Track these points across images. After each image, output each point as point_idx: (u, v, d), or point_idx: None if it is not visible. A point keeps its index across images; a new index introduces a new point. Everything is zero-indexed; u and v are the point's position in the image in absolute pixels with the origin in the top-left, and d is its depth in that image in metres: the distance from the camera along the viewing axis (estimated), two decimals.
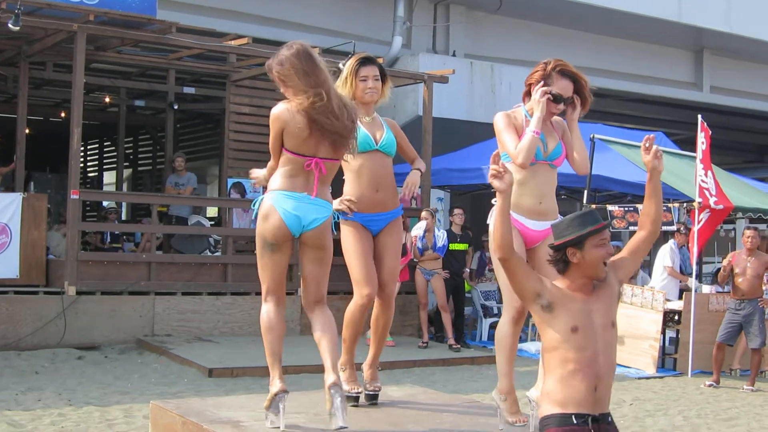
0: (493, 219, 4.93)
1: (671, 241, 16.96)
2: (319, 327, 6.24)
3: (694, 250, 15.37)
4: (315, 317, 6.29)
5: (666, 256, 16.81)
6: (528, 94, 6.63)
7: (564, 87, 6.49)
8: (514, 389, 6.46)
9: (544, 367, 5.00)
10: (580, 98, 6.58)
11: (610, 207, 16.43)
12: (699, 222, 15.03)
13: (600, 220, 4.90)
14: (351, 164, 6.70)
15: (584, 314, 4.82)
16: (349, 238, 6.73)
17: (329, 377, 6.00)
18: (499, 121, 6.58)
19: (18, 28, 13.98)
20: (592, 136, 16.21)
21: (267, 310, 6.45)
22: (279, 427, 6.03)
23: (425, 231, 15.98)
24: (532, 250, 6.53)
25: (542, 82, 6.51)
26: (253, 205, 6.39)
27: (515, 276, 4.87)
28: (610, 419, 4.90)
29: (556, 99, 6.45)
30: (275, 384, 6.21)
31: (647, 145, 5.09)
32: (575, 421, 4.76)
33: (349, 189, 6.76)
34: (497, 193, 4.91)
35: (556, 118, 6.68)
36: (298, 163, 6.16)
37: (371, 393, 6.92)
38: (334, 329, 6.25)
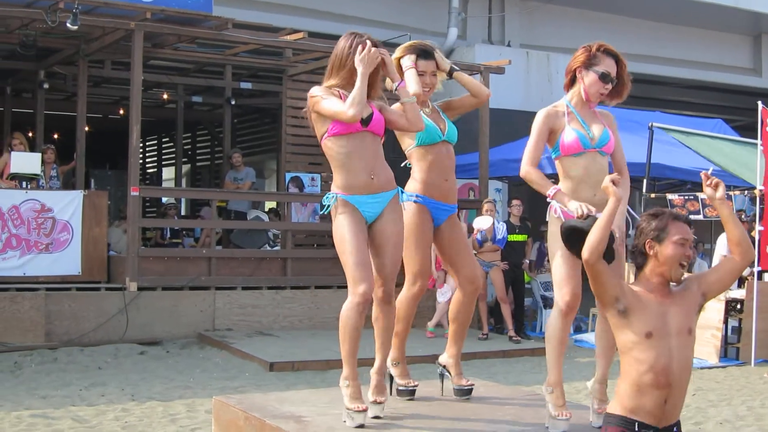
0: (597, 224, 4.87)
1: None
2: None
3: (757, 238, 15.18)
4: None
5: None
6: (571, 81, 6.56)
7: (610, 65, 6.44)
8: (561, 382, 6.41)
9: (621, 368, 4.96)
10: (619, 82, 6.51)
11: (669, 196, 16.32)
12: (763, 212, 14.84)
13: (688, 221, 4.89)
14: (418, 154, 6.68)
15: (659, 318, 4.77)
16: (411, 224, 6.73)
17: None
18: (534, 125, 6.46)
19: (76, 27, 14.13)
20: (650, 124, 16.11)
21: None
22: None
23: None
24: None
25: None
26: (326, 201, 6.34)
27: (599, 280, 4.83)
28: (675, 429, 4.87)
29: (604, 77, 6.38)
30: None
31: (708, 183, 4.99)
32: (637, 429, 4.75)
33: (422, 178, 6.72)
34: (612, 197, 4.95)
35: (602, 110, 6.62)
36: None
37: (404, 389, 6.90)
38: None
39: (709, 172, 4.99)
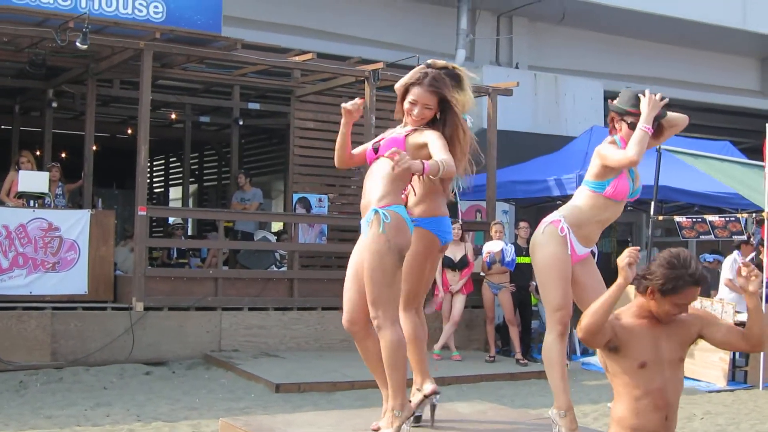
0: (598, 305, 4.78)
1: (735, 253, 16.65)
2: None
3: (765, 261, 15.12)
4: None
5: (727, 268, 16.55)
6: (614, 128, 6.63)
7: None
8: (572, 405, 6.39)
9: (614, 389, 4.95)
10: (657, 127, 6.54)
11: (677, 218, 16.28)
12: None
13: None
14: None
15: (651, 348, 4.77)
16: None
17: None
18: (602, 145, 6.56)
19: (86, 46, 14.15)
20: (658, 146, 16.06)
21: None
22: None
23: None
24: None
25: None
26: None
27: (596, 338, 4.79)
28: None
29: (633, 126, 6.38)
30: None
31: (744, 274, 4.91)
32: None
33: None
34: (621, 276, 4.74)
35: None
36: None
37: None
38: None
39: (750, 264, 4.91)
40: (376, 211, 5.99)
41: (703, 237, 16.36)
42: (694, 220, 16.06)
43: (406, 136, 6.14)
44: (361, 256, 6.13)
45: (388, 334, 5.99)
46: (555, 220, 6.55)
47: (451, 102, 6.22)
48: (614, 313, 4.84)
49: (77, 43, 14.05)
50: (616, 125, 6.57)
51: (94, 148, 17.38)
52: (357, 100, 6.31)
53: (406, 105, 6.27)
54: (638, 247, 5.00)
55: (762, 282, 4.92)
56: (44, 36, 14.52)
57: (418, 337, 6.62)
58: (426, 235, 6.50)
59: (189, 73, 18.12)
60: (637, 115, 6.36)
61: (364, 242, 6.08)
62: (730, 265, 16.45)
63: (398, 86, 6.34)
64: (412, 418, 6.30)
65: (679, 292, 4.73)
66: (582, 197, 6.58)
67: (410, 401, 6.38)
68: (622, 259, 4.75)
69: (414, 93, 6.22)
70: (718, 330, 4.97)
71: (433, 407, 6.65)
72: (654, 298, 4.77)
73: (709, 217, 16.13)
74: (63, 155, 21.40)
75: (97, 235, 14.74)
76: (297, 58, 16.76)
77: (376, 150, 6.16)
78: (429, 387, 6.55)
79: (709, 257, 18.21)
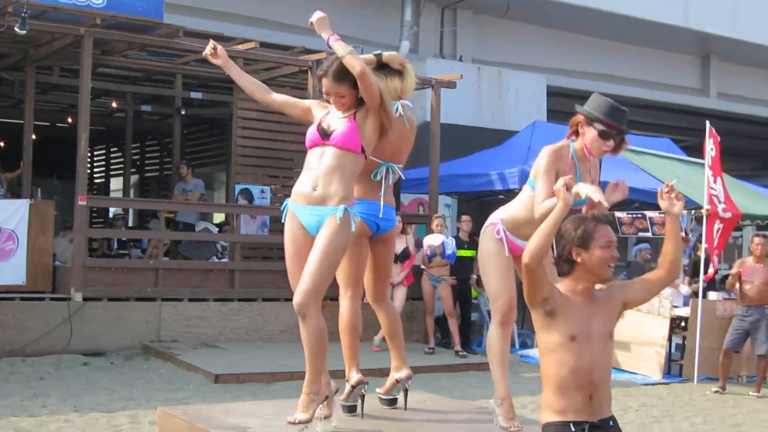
0: (541, 228, 4.82)
1: None
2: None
3: (702, 256, 15.27)
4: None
5: None
6: (575, 133, 6.50)
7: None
8: (509, 394, 6.45)
9: (542, 372, 4.98)
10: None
11: (617, 214, 16.38)
12: (716, 234, 14.94)
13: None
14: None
15: (584, 322, 4.80)
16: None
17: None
18: (543, 161, 6.39)
19: (25, 31, 13.91)
20: None
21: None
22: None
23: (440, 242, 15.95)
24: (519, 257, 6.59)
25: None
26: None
27: (535, 283, 4.83)
28: (611, 423, 4.86)
29: (604, 135, 6.32)
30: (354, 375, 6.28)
31: (666, 190, 4.97)
32: (573, 429, 4.75)
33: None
34: (560, 201, 4.81)
35: (595, 163, 6.58)
36: None
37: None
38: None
39: (673, 182, 4.98)
40: (347, 210, 6.05)
41: (641, 234, 16.50)
42: (634, 216, 16.17)
43: (353, 121, 6.15)
44: (306, 242, 6.14)
45: (315, 322, 6.03)
46: (494, 222, 6.63)
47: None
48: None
49: (16, 29, 13.81)
50: (581, 129, 6.42)
51: (34, 137, 17.20)
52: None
53: (324, 96, 6.33)
54: (571, 177, 5.07)
55: (683, 204, 4.98)
56: None
57: (353, 326, 6.68)
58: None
59: (130, 61, 17.97)
60: (613, 127, 6.30)
61: (327, 233, 6.04)
62: None
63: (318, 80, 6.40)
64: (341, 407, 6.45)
65: (595, 234, 4.81)
66: (522, 199, 6.60)
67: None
68: (558, 183, 4.85)
69: (324, 85, 6.26)
70: (634, 286, 5.07)
71: (363, 397, 6.70)
72: (582, 259, 4.81)
73: (649, 213, 16.25)
74: (1, 144, 21.16)
75: (36, 225, 14.57)
76: (240, 47, 16.66)
77: (325, 135, 6.14)
78: (356, 377, 6.64)
79: (639, 246, 18.33)
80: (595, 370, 4.78)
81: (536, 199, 6.25)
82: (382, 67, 6.56)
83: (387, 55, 6.62)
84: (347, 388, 6.68)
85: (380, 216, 6.56)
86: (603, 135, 6.27)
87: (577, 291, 4.88)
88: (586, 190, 5.76)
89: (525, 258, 4.79)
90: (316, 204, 6.09)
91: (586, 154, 6.41)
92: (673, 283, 16.10)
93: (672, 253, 5.00)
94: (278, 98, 6.57)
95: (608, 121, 6.26)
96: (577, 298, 4.86)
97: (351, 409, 6.67)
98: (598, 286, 4.94)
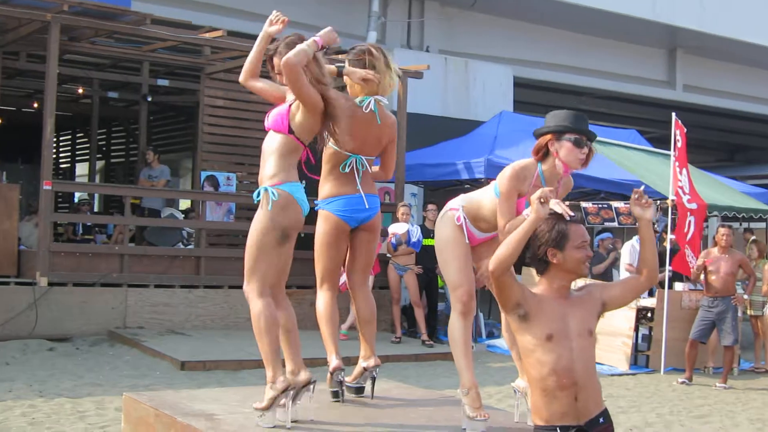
0: (511, 238, 4.86)
1: (634, 239, 16.86)
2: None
3: (668, 247, 15.36)
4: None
5: (627, 254, 16.82)
6: (544, 151, 6.25)
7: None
8: (475, 383, 6.43)
9: (526, 376, 5.02)
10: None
11: (584, 204, 16.48)
12: (688, 228, 15.01)
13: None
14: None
15: (559, 320, 4.81)
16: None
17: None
18: (504, 183, 6.18)
19: None
20: None
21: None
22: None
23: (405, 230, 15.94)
24: (475, 247, 6.59)
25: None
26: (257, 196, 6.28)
27: (504, 292, 4.85)
28: (602, 419, 4.88)
29: (578, 143, 6.22)
30: (279, 380, 5.98)
31: (636, 197, 5.01)
32: None
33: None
34: (533, 214, 4.81)
35: (567, 180, 6.53)
36: None
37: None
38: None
39: (641, 189, 5.02)
40: (266, 189, 6.06)
41: (607, 223, 16.60)
42: (600, 206, 16.26)
43: (290, 105, 6.19)
44: None
45: (252, 306, 6.06)
46: (454, 207, 6.59)
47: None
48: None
49: None
50: (552, 148, 6.18)
51: None
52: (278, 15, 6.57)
53: (276, 75, 6.44)
54: (551, 188, 5.11)
55: (654, 210, 5.04)
56: None
57: (332, 317, 6.79)
58: (327, 216, 6.73)
59: (97, 48, 17.87)
60: (584, 132, 6.17)
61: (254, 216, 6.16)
62: (629, 250, 16.72)
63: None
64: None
65: (570, 235, 4.85)
66: (487, 197, 6.55)
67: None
68: (534, 195, 4.83)
69: (275, 64, 6.43)
70: (613, 288, 5.11)
71: (374, 380, 6.88)
72: (558, 260, 4.85)
73: (615, 204, 16.34)
74: None
75: (0, 209, 14.51)
76: (207, 35, 16.63)
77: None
78: (334, 363, 6.74)
79: (601, 236, 18.38)
80: (576, 369, 4.77)
81: (499, 221, 6.20)
82: (357, 64, 6.71)
83: (347, 70, 6.69)
84: (356, 369, 6.88)
85: (366, 207, 6.71)
86: (577, 143, 6.16)
87: (552, 290, 4.91)
88: (557, 208, 5.59)
89: (491, 266, 4.80)
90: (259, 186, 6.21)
91: (557, 173, 6.27)
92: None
93: (649, 260, 5.03)
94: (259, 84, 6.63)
95: (577, 128, 6.21)
96: (551, 298, 4.89)
97: (334, 395, 6.78)
98: (575, 284, 4.98)
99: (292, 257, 6.31)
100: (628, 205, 16.05)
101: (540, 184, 6.14)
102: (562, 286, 4.91)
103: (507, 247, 4.80)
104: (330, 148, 6.65)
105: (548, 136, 6.17)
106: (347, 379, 6.88)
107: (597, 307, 4.97)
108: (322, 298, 6.81)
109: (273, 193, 6.02)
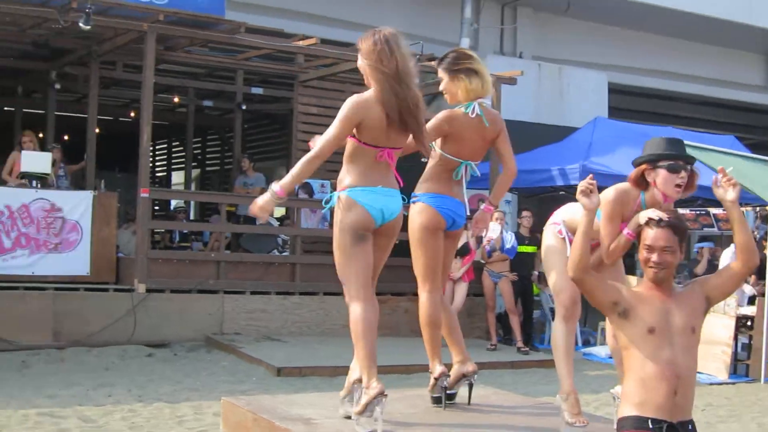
0: (575, 242, 4.94)
1: (733, 246, 16.60)
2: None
3: None
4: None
5: (728, 260, 16.55)
6: (643, 185, 6.13)
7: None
8: (574, 390, 6.40)
9: (623, 365, 4.95)
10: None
11: (681, 210, 16.25)
12: None
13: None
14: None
15: (661, 314, 4.77)
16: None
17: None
18: (607, 206, 6.06)
19: (89, 27, 14.05)
20: None
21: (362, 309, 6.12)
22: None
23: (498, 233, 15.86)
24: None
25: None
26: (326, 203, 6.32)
27: (593, 294, 4.88)
28: (690, 427, 4.79)
29: (673, 169, 6.06)
30: (373, 386, 5.84)
31: (726, 180, 4.92)
32: (651, 426, 4.68)
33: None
34: (584, 211, 4.98)
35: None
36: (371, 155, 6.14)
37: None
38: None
39: (728, 170, 4.94)
40: (331, 195, 6.27)
41: (706, 229, 16.37)
42: (698, 212, 16.05)
43: None
44: None
45: (351, 310, 6.08)
46: (556, 222, 6.62)
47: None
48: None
49: (80, 24, 13.96)
50: (649, 178, 6.05)
51: (97, 130, 17.36)
52: None
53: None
54: (591, 175, 5.16)
55: (739, 190, 4.96)
56: (47, 17, 14.47)
57: (434, 320, 6.69)
58: (426, 209, 6.63)
59: (192, 57, 18.09)
60: (679, 157, 6.06)
61: None
62: (730, 257, 16.44)
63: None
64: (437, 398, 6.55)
65: (642, 235, 4.93)
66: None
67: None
68: (578, 192, 5.03)
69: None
70: (712, 279, 5.04)
71: (471, 386, 6.83)
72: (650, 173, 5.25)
73: (713, 210, 16.12)
74: (65, 137, 21.36)
75: (99, 216, 14.71)
76: (301, 43, 16.73)
77: None
78: (439, 369, 6.67)
79: (700, 244, 18.12)
80: (679, 363, 4.71)
81: (602, 243, 6.10)
82: (457, 70, 6.65)
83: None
84: (431, 380, 6.73)
85: (464, 213, 6.72)
86: (672, 169, 6.01)
87: (651, 286, 4.89)
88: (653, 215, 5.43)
89: (571, 272, 4.84)
90: None
91: (658, 202, 6.13)
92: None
93: (742, 242, 4.94)
94: None
95: (672, 154, 6.07)
96: (653, 294, 4.84)
97: (436, 401, 6.72)
98: (678, 282, 4.94)
99: (377, 259, 6.31)
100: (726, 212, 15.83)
101: (641, 210, 6.04)
102: (662, 285, 4.87)
103: (573, 249, 4.92)
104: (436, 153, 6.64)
105: (644, 166, 6.07)
106: (445, 384, 6.85)
107: (701, 303, 4.92)
108: (424, 300, 6.67)
109: (338, 197, 6.21)
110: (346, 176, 6.24)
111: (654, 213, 4.95)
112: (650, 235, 4.87)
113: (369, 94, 6.08)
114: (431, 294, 6.66)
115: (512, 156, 6.95)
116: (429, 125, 6.36)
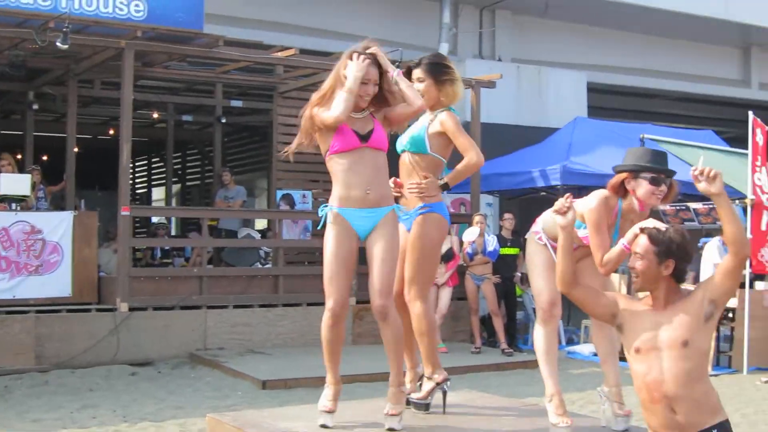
0: (558, 256, 5.04)
1: (717, 238, 16.59)
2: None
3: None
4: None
5: (714, 253, 16.52)
6: (622, 193, 6.20)
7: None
8: (559, 390, 6.43)
9: None
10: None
11: (661, 206, 16.25)
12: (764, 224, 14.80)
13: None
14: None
15: (649, 332, 4.77)
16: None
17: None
18: (592, 213, 6.08)
19: (66, 46, 13.96)
20: (642, 135, 16.07)
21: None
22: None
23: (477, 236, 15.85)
24: None
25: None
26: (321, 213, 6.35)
27: (584, 306, 4.92)
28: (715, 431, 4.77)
29: (655, 181, 6.10)
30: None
31: (696, 173, 4.90)
32: None
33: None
34: (559, 229, 5.09)
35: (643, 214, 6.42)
36: None
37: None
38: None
39: (699, 163, 4.91)
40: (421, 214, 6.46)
41: (687, 224, 16.39)
42: (678, 207, 16.07)
43: (377, 121, 6.32)
44: (354, 247, 6.28)
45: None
46: (536, 231, 6.68)
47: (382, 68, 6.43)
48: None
49: (58, 44, 13.88)
50: (629, 186, 6.13)
51: (76, 149, 17.30)
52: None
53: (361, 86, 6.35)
54: (569, 195, 5.25)
55: (721, 180, 4.91)
56: (24, 37, 14.39)
57: (429, 330, 6.70)
58: (443, 223, 6.62)
59: (171, 72, 18.05)
60: (662, 171, 6.11)
61: (384, 233, 6.18)
62: (715, 249, 16.44)
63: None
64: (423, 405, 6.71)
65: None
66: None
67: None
68: (552, 213, 5.21)
69: (368, 74, 6.44)
70: (712, 280, 4.94)
71: (445, 393, 6.81)
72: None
73: (693, 205, 16.14)
74: (44, 158, 21.29)
75: (80, 236, 14.62)
76: (279, 54, 16.70)
77: (362, 138, 6.15)
78: (440, 375, 6.76)
79: (704, 240, 18.09)
80: (667, 382, 4.68)
81: (595, 255, 6.07)
82: (444, 81, 6.69)
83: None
84: (429, 386, 6.77)
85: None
86: (654, 181, 6.05)
87: (649, 300, 4.92)
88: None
89: (559, 287, 4.89)
90: (371, 207, 6.15)
91: (634, 210, 6.16)
92: None
93: (731, 233, 4.88)
94: None
95: (655, 167, 6.10)
96: (646, 309, 4.84)
97: (425, 407, 6.77)
98: (684, 287, 4.89)
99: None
100: (706, 206, 15.86)
101: (616, 219, 6.12)
102: (652, 295, 4.89)
103: (557, 266, 5.02)
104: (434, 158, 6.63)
105: (624, 174, 6.09)
106: (418, 395, 6.80)
107: (702, 309, 4.81)
108: (421, 310, 6.58)
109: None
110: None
111: (651, 223, 4.99)
112: (635, 240, 4.96)
113: None
114: (425, 302, 6.62)
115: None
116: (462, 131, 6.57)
